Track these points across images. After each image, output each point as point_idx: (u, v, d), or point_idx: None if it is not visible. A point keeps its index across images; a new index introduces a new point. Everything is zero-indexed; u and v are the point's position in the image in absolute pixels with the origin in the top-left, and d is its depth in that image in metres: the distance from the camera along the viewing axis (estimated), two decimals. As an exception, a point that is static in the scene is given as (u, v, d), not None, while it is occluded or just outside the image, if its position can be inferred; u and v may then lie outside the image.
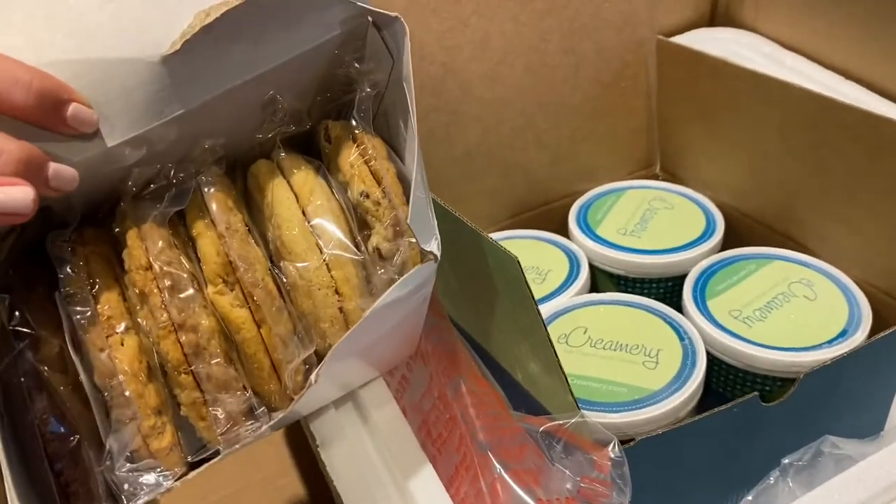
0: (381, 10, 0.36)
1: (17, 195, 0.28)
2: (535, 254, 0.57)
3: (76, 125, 0.30)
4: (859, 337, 0.47)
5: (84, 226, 0.35)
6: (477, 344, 0.46)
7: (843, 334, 0.47)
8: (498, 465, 0.35)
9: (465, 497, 0.38)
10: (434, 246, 0.34)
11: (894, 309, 0.49)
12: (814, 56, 0.62)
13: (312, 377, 0.33)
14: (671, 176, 0.65)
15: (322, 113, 0.40)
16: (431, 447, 0.41)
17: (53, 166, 0.30)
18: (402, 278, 0.33)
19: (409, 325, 0.38)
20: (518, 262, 0.35)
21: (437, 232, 0.35)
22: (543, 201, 0.63)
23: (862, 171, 0.48)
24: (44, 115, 0.29)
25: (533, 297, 0.36)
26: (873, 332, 0.47)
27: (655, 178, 0.65)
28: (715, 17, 0.68)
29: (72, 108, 0.30)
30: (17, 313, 0.34)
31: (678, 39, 0.65)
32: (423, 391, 0.43)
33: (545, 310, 0.51)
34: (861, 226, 0.50)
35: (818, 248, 0.53)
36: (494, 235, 0.60)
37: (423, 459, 0.37)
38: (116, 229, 0.35)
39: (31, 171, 0.29)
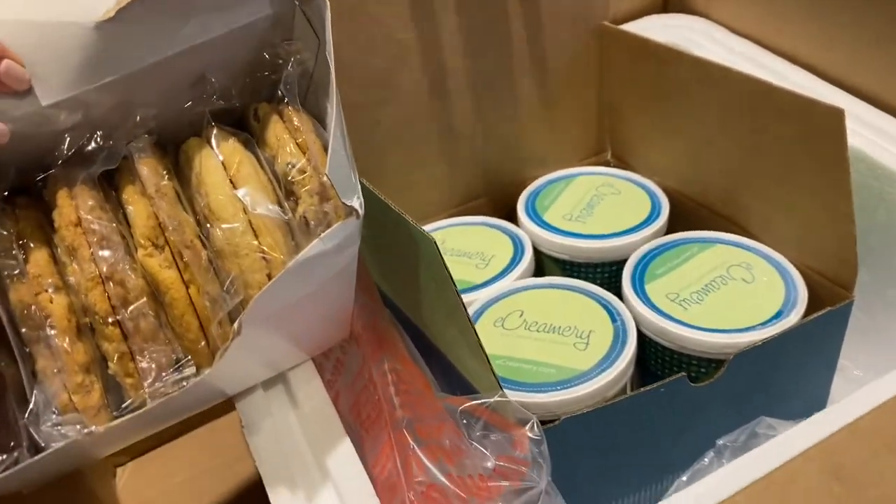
0: None
1: None
2: (481, 239, 0.57)
3: (8, 81, 0.32)
4: (793, 318, 0.47)
5: (17, 193, 0.36)
6: (418, 329, 0.46)
7: (777, 316, 0.48)
8: (412, 442, 0.36)
9: (388, 476, 0.39)
10: (356, 202, 0.35)
11: (830, 290, 0.49)
12: (763, 42, 0.62)
13: (236, 325, 0.34)
14: (622, 162, 0.65)
15: (252, 93, 0.41)
16: (360, 428, 0.42)
17: None
18: (325, 233, 0.34)
19: (336, 293, 0.39)
20: (435, 243, 0.36)
21: (360, 192, 0.36)
22: (494, 189, 0.64)
23: (796, 153, 0.49)
24: None
25: (451, 279, 0.37)
26: (809, 313, 0.48)
27: (607, 164, 0.66)
28: (668, 4, 0.68)
29: (3, 65, 0.32)
30: None
31: (630, 26, 0.65)
32: (356, 373, 0.44)
33: (486, 294, 0.51)
34: (797, 208, 0.50)
35: (759, 232, 0.54)
36: (443, 222, 0.60)
37: (345, 441, 0.38)
38: (46, 193, 0.36)
39: None
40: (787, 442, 0.34)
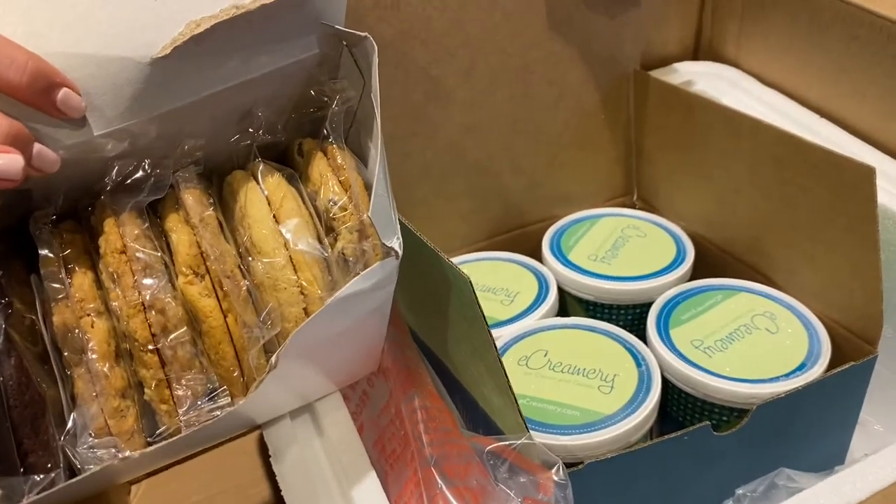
0: (352, 31, 0.38)
1: (9, 161, 0.30)
2: (505, 276, 0.58)
3: (65, 109, 0.33)
4: (816, 371, 0.48)
5: (64, 219, 0.37)
6: (442, 364, 0.47)
7: (801, 367, 0.48)
8: (440, 481, 0.36)
9: (412, 512, 0.39)
10: (395, 244, 0.35)
11: (854, 344, 0.50)
12: (791, 92, 0.63)
13: (273, 359, 0.34)
14: (647, 205, 0.66)
15: (297, 128, 0.42)
16: (384, 463, 0.42)
17: (37, 146, 0.32)
18: (364, 271, 0.35)
19: (369, 329, 0.39)
20: (470, 282, 0.36)
21: (399, 233, 0.36)
22: (519, 225, 0.64)
23: (825, 208, 0.49)
24: (35, 95, 0.32)
25: (484, 318, 0.37)
26: (832, 366, 0.48)
27: (632, 206, 0.66)
28: (698, 52, 0.69)
29: (62, 93, 0.33)
30: None
31: (661, 72, 0.66)
32: (382, 407, 0.44)
33: (510, 331, 0.52)
34: (824, 261, 0.50)
35: (784, 282, 0.54)
36: (468, 256, 0.61)
37: (371, 473, 0.38)
38: (94, 219, 0.36)
39: (16, 146, 0.31)
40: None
